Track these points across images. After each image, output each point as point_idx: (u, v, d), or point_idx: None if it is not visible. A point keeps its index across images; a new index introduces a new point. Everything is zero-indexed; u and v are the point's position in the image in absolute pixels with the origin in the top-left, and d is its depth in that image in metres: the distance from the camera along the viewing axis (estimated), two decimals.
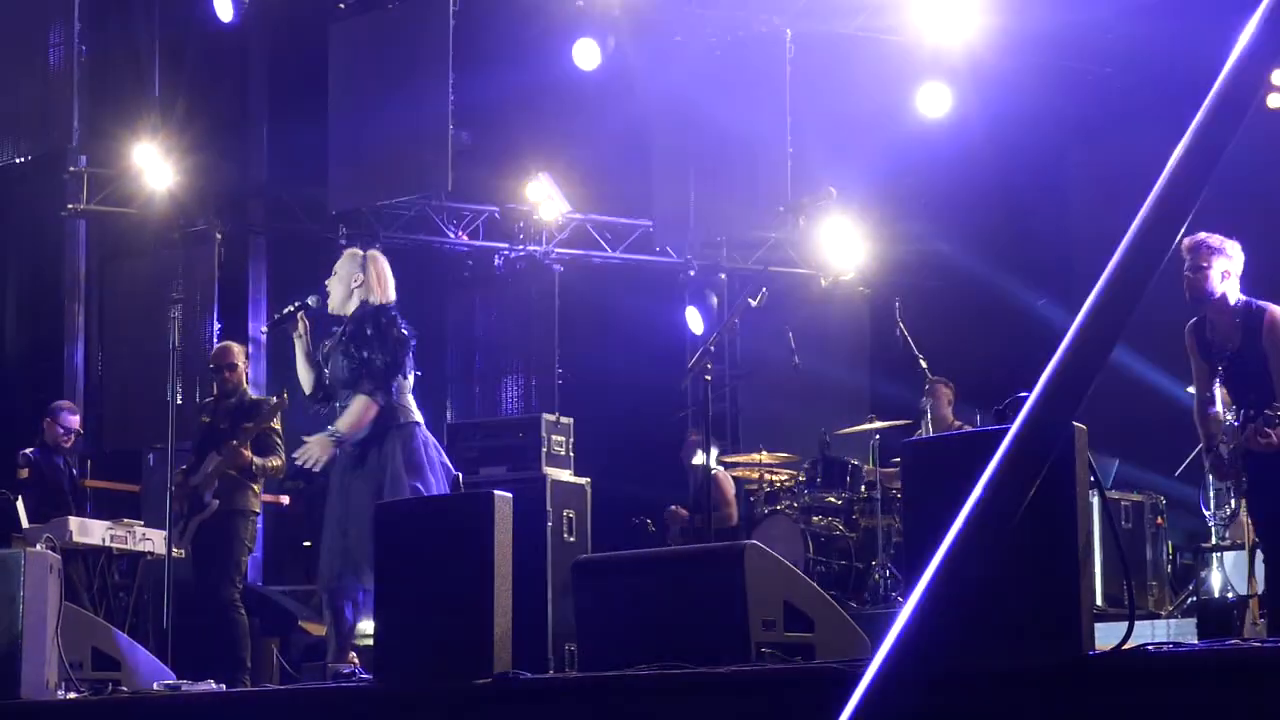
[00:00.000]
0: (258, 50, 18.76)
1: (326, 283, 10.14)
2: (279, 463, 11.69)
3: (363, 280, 10.07)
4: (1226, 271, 9.04)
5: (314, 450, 9.89)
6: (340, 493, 9.89)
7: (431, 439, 10.02)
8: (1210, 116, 2.18)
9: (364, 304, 10.00)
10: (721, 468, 15.76)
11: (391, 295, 10.11)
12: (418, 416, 9.95)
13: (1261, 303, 9.06)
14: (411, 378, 10.03)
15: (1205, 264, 9.01)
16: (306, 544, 11.33)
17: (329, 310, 10.11)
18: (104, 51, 18.06)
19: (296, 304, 10.07)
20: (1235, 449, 9.04)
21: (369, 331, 9.85)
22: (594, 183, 18.41)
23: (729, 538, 14.38)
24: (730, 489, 16.10)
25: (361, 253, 10.40)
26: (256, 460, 11.53)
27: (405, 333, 9.94)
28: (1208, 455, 9.52)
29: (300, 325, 10.01)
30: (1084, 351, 2.16)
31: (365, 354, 9.84)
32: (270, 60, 18.75)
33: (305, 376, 10.19)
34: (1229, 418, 9.30)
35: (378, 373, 9.80)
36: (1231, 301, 9.07)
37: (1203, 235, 9.04)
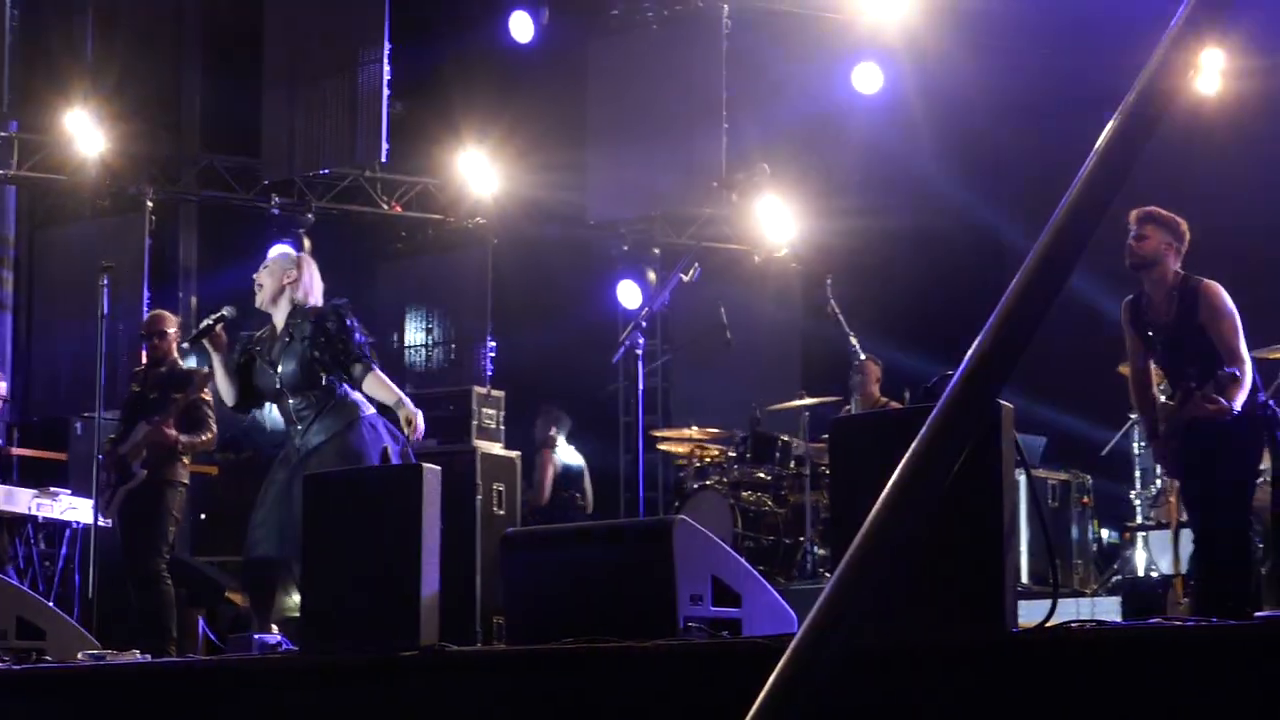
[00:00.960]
0: (192, 17, 18.68)
1: (255, 275, 9.89)
2: (209, 437, 11.64)
3: (296, 279, 9.78)
4: (1169, 244, 9.14)
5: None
6: (286, 490, 9.58)
7: (382, 421, 9.84)
8: (1140, 98, 2.20)
9: (301, 307, 9.73)
10: (551, 449, 15.77)
11: (320, 302, 9.89)
12: (370, 409, 9.77)
13: (1198, 277, 9.14)
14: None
15: (1149, 233, 9.12)
16: (203, 515, 11.28)
17: (256, 304, 9.85)
18: (36, 17, 17.93)
19: (214, 317, 9.69)
20: (1171, 425, 9.12)
21: (330, 326, 9.62)
22: (528, 156, 18.37)
23: (538, 519, 14.45)
24: (550, 472, 15.90)
25: (295, 253, 10.19)
26: (183, 439, 11.45)
27: (365, 334, 9.78)
28: (1150, 439, 9.58)
29: (220, 333, 9.73)
30: (1009, 332, 2.17)
31: (333, 349, 9.62)
32: (205, 28, 18.65)
33: (225, 388, 9.87)
34: (1163, 397, 9.38)
35: (354, 354, 9.63)
36: (1170, 275, 9.16)
37: (1152, 208, 9.15)
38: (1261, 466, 9.55)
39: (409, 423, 9.48)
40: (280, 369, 9.68)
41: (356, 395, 9.69)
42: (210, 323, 9.77)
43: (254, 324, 10.04)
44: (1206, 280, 9.10)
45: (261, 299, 9.79)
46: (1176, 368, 9.13)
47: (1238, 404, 8.69)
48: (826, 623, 2.08)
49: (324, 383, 9.61)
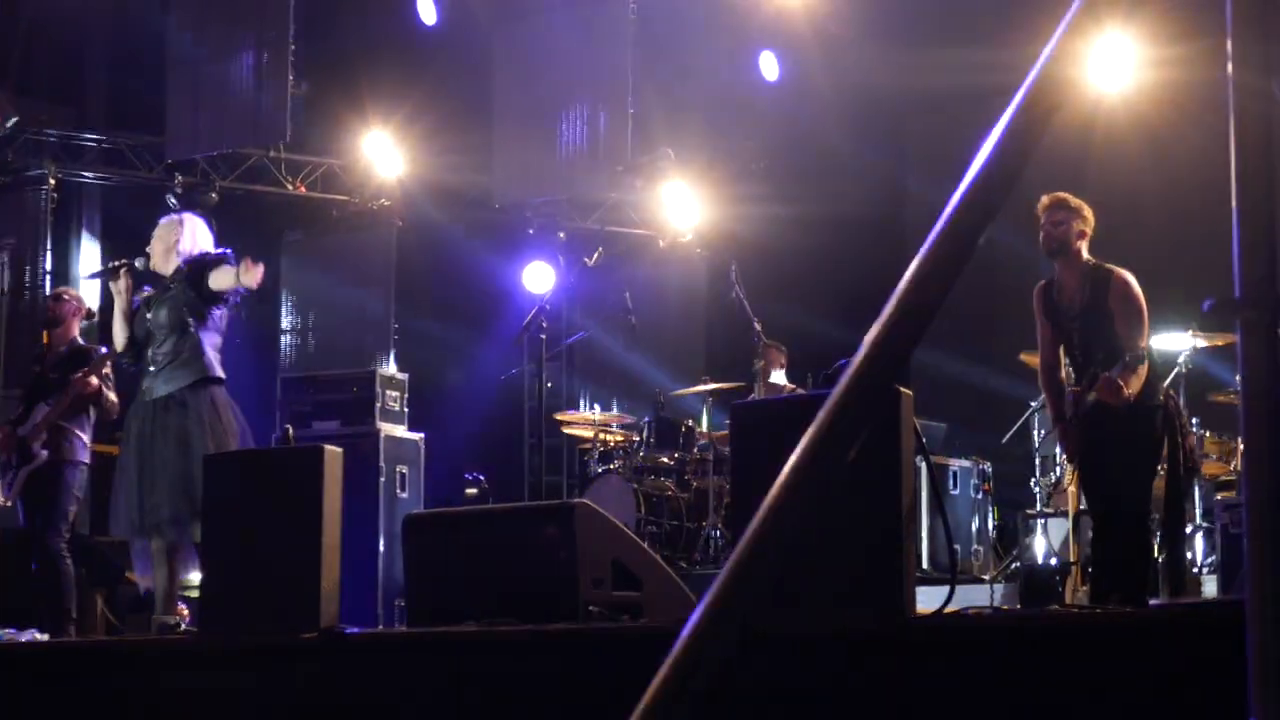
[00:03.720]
0: None
1: (148, 248, 10.30)
2: (115, 400, 11.58)
3: (178, 238, 10.28)
4: (1082, 231, 9.27)
5: None
6: (146, 441, 9.99)
7: (232, 401, 10.19)
8: (1037, 87, 2.22)
9: (184, 262, 10.19)
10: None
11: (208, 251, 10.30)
12: (221, 373, 10.09)
13: (1112, 266, 9.24)
14: (220, 337, 10.20)
15: (1063, 218, 9.23)
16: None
17: (150, 267, 10.25)
18: None
19: (118, 262, 10.26)
20: (1077, 411, 9.20)
21: (187, 288, 10.09)
22: (434, 138, 18.30)
23: None
24: None
25: (179, 216, 10.65)
26: (107, 394, 11.43)
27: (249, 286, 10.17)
28: (1056, 423, 9.65)
29: (123, 280, 10.18)
30: (906, 318, 2.19)
31: (197, 271, 10.06)
32: (110, 3, 18.47)
33: (120, 332, 10.39)
34: (1070, 385, 9.46)
35: (210, 261, 10.08)
36: (1082, 260, 9.27)
37: (1061, 195, 9.28)
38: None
39: (249, 271, 9.93)
40: (153, 314, 10.19)
41: (211, 357, 10.05)
42: (114, 265, 10.38)
43: None
44: (1119, 269, 9.22)
45: (154, 262, 10.27)
46: (1085, 353, 9.23)
47: (1133, 389, 8.81)
48: (721, 606, 2.09)
49: (190, 330, 10.03)
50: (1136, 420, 9.01)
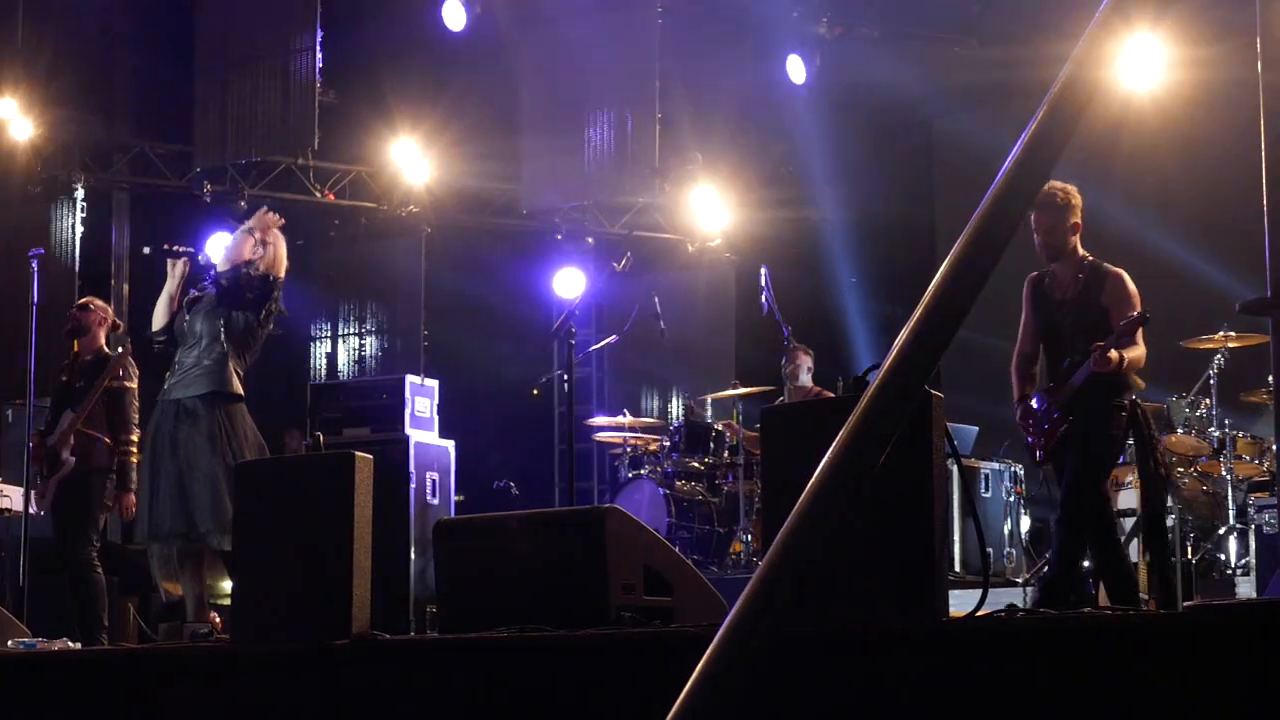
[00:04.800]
0: (124, 4, 18.54)
1: (235, 232, 10.42)
2: (133, 436, 11.51)
3: (270, 244, 10.39)
4: (1075, 224, 9.20)
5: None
6: (172, 450, 10.06)
7: (248, 420, 10.30)
8: (1065, 88, 2.21)
9: (251, 265, 10.20)
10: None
11: (282, 274, 10.39)
12: (242, 391, 10.22)
13: (1108, 265, 9.19)
14: (250, 359, 10.30)
15: (1057, 224, 9.15)
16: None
17: (218, 257, 10.35)
18: None
19: (189, 249, 10.37)
20: (1056, 403, 9.11)
21: (248, 296, 10.08)
22: (462, 145, 18.32)
23: None
24: None
25: (281, 220, 10.64)
26: (122, 437, 11.41)
27: (283, 311, 10.22)
28: (1017, 405, 9.51)
29: (180, 266, 10.26)
30: (935, 322, 2.18)
31: (233, 314, 10.04)
32: (137, 13, 18.52)
33: (161, 313, 10.50)
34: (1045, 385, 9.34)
35: (238, 335, 10.02)
36: (1079, 253, 9.22)
37: (1046, 193, 9.11)
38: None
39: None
40: (190, 319, 10.33)
41: (233, 374, 10.19)
42: (180, 249, 10.50)
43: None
44: (1115, 268, 9.17)
45: (227, 251, 10.50)
46: (1071, 345, 9.15)
47: (1125, 359, 8.78)
48: (752, 610, 2.08)
49: (220, 341, 10.14)
50: (1101, 414, 8.97)
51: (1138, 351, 8.95)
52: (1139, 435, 9.14)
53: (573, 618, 6.67)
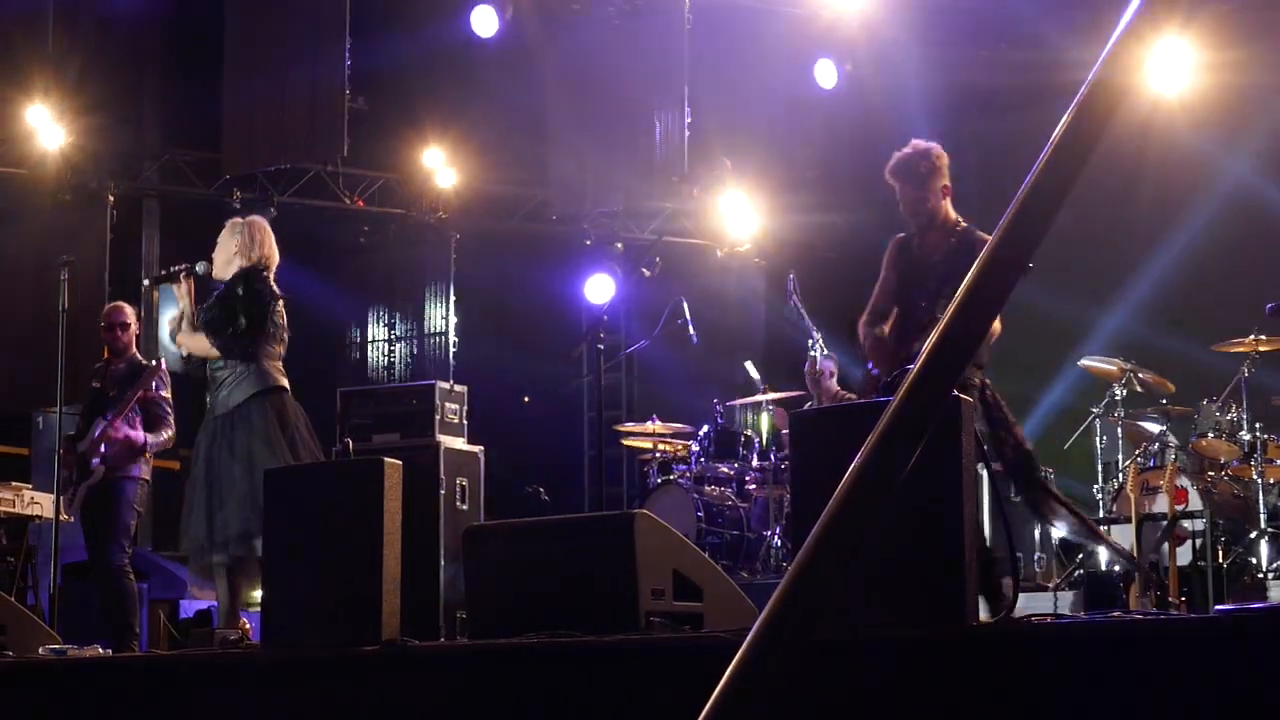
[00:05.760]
0: (153, 11, 18.59)
1: (213, 255, 10.29)
2: (169, 435, 11.59)
3: (239, 244, 10.25)
4: (944, 187, 8.95)
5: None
6: (207, 459, 10.02)
7: (299, 407, 10.16)
8: (1093, 92, 2.20)
9: (241, 267, 10.13)
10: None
11: (268, 255, 10.29)
12: (284, 382, 10.06)
13: (980, 231, 8.83)
14: (281, 345, 10.15)
15: (923, 194, 8.93)
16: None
17: (213, 275, 10.23)
18: None
19: (183, 265, 10.23)
20: (893, 372, 8.67)
21: (240, 291, 10.01)
22: (491, 151, 18.35)
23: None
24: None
25: (241, 220, 10.50)
26: (150, 440, 11.44)
27: (274, 290, 10.06)
28: (866, 383, 9.14)
29: (184, 284, 10.18)
30: (964, 327, 2.18)
31: (229, 313, 9.98)
32: (166, 21, 18.57)
33: (187, 335, 10.37)
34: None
35: (240, 333, 9.96)
36: (950, 220, 8.96)
37: (904, 157, 8.88)
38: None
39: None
40: (200, 321, 10.23)
41: (271, 364, 10.09)
42: (174, 270, 10.37)
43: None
44: (985, 234, 8.67)
45: (216, 269, 10.39)
46: (931, 309, 8.62)
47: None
48: (781, 616, 2.08)
49: (239, 340, 10.02)
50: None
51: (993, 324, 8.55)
52: (990, 418, 8.49)
53: (602, 623, 6.67)
